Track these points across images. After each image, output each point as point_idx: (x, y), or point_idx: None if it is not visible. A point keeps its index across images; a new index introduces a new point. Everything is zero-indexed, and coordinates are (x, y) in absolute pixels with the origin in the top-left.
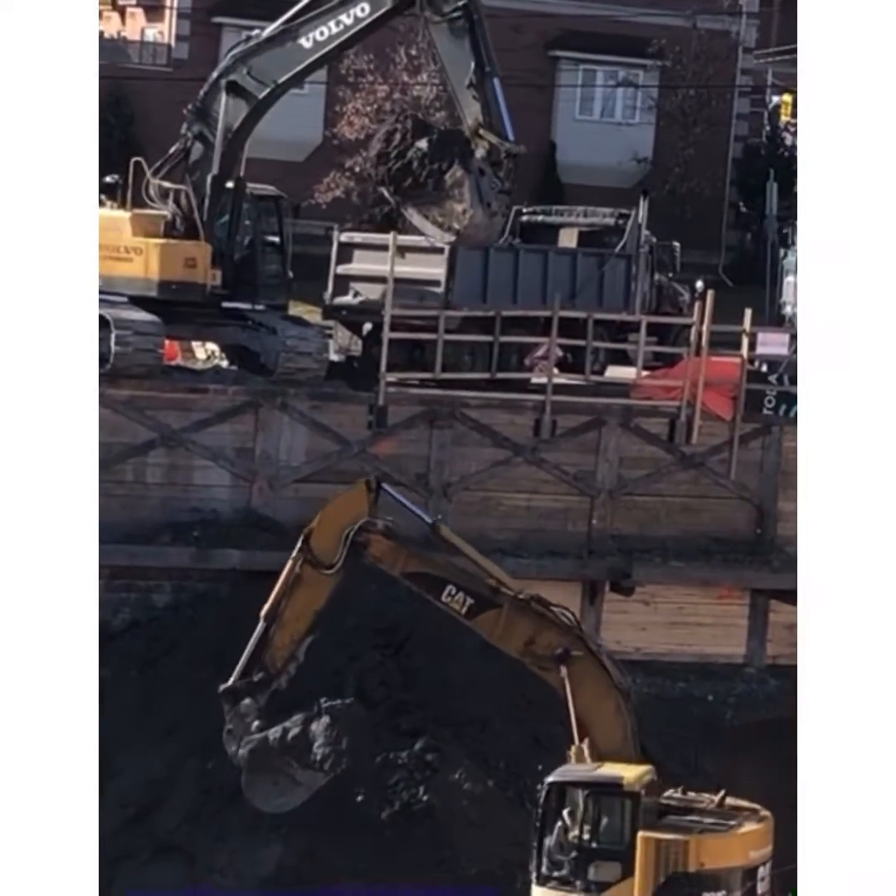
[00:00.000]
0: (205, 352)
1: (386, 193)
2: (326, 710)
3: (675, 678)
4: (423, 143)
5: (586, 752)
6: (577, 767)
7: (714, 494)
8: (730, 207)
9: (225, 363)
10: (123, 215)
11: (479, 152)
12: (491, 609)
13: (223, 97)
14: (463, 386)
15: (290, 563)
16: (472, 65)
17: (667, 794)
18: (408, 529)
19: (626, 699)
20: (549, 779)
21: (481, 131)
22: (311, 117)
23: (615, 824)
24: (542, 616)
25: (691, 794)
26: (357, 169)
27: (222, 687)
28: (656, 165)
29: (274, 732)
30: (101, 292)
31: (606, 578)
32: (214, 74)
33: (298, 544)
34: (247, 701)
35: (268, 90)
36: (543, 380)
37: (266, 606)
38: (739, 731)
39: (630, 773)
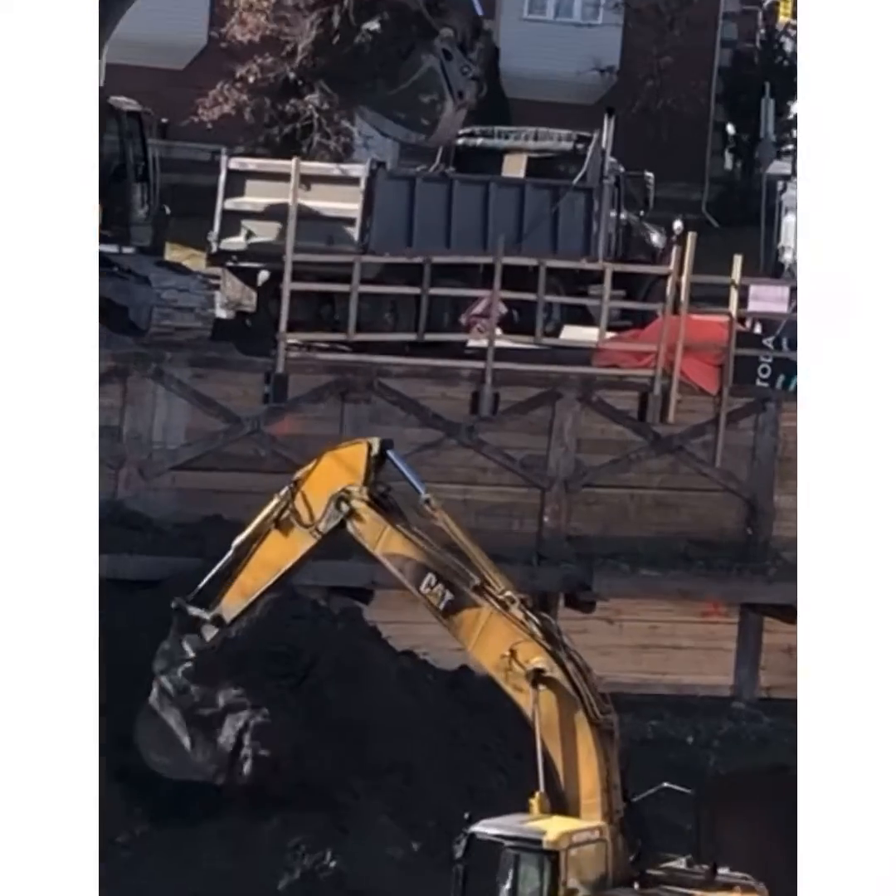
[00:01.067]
0: None
1: (326, 90)
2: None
3: (646, 715)
4: (372, 24)
5: (546, 801)
6: (507, 819)
7: (695, 486)
8: (715, 129)
9: None
10: None
11: (444, 31)
12: (470, 608)
13: None
14: (383, 350)
15: (275, 499)
16: None
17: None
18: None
19: (605, 738)
20: (471, 829)
21: (441, 4)
22: (193, 14)
23: (534, 887)
24: (520, 623)
25: (676, 863)
26: (251, 79)
27: (178, 601)
28: (624, 76)
29: (197, 692)
30: None
31: (560, 590)
32: None
33: (288, 486)
34: (192, 635)
35: None
36: (483, 343)
37: (241, 536)
38: (725, 782)
39: (558, 827)
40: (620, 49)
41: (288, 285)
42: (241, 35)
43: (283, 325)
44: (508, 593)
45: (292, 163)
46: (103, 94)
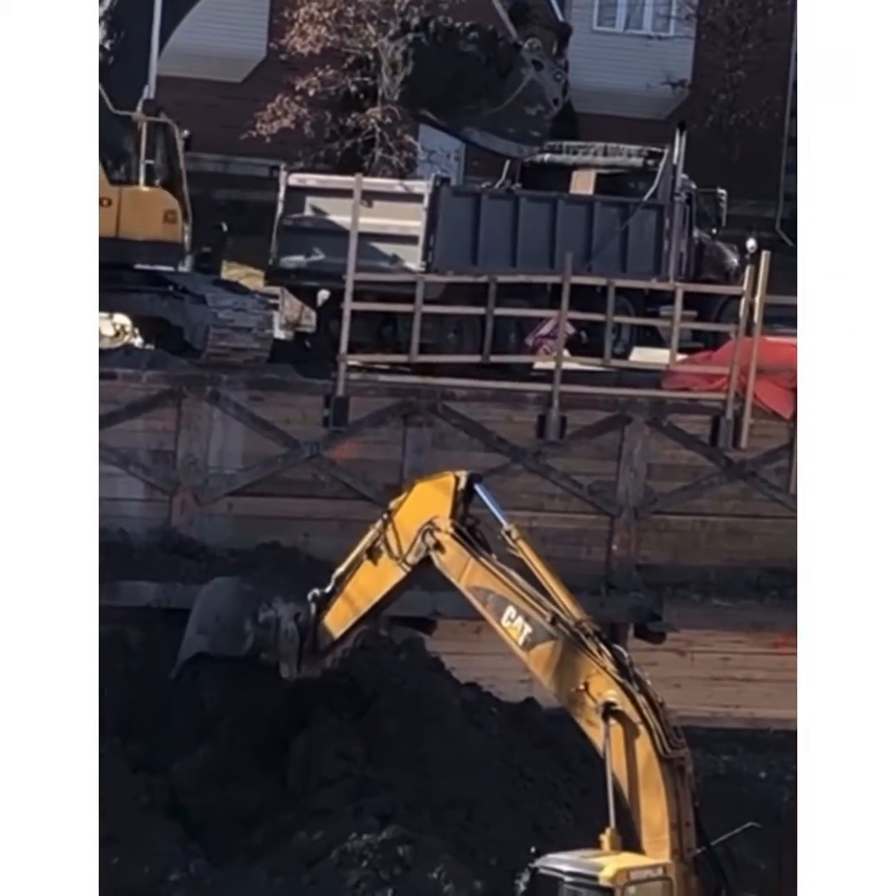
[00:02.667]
0: (112, 326)
1: (431, 119)
2: None
3: (717, 749)
4: (467, 47)
5: (617, 838)
6: (572, 854)
7: (768, 513)
8: (790, 145)
9: (138, 341)
10: None
11: (532, 42)
12: (547, 641)
13: None
14: (446, 372)
15: (372, 530)
16: None
17: None
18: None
19: (676, 774)
20: (534, 864)
21: (525, 14)
22: (252, 25)
23: None
24: (593, 656)
25: None
26: (311, 92)
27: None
28: (696, 90)
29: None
30: None
31: (630, 621)
32: None
33: (382, 516)
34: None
35: None
36: (550, 365)
37: (340, 568)
38: None
39: (617, 864)
40: (692, 62)
41: (349, 305)
42: (301, 47)
43: (343, 347)
44: (584, 625)
45: (354, 179)
46: (152, 105)
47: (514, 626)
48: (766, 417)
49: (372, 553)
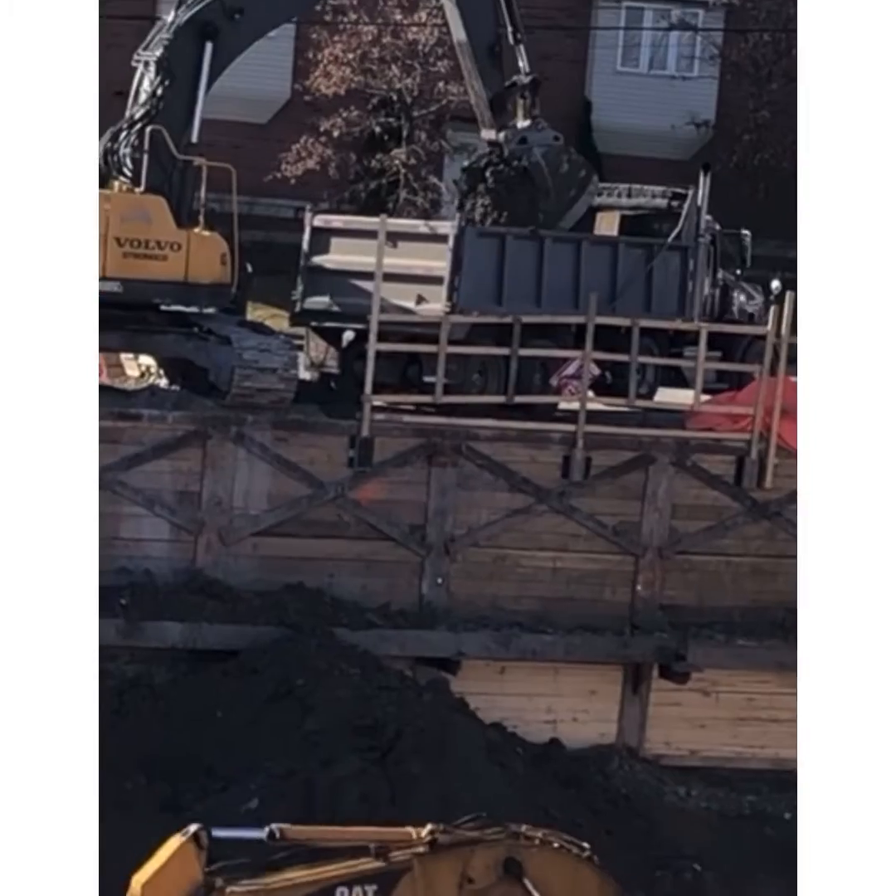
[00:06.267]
0: (138, 367)
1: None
2: None
3: (742, 790)
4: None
5: None
6: None
7: (793, 553)
8: None
9: (163, 382)
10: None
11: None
12: (400, 878)
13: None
14: (471, 412)
15: None
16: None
17: None
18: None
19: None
20: None
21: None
22: (277, 67)
23: None
24: (455, 843)
25: None
26: (336, 133)
27: None
28: (720, 131)
29: None
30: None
31: (654, 661)
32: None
33: None
34: None
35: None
36: (575, 405)
37: None
38: None
39: None
40: (716, 102)
41: (373, 346)
42: (325, 88)
43: (368, 387)
44: (422, 834)
45: (378, 220)
46: (194, 148)
47: None
48: (791, 457)
49: None
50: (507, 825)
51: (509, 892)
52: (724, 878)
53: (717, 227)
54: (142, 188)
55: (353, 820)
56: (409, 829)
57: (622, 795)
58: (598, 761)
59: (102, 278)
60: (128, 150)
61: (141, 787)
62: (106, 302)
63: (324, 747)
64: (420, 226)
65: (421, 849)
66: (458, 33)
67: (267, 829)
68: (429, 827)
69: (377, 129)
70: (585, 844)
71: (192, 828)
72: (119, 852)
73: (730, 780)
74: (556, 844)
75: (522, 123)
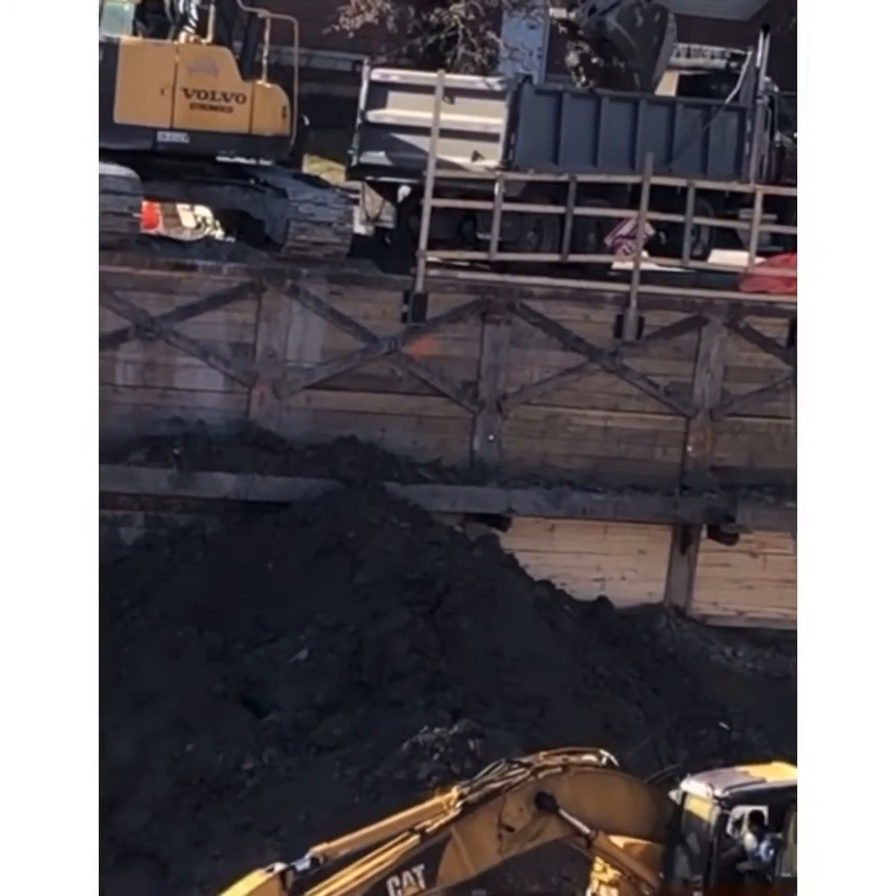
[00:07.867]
0: (194, 218)
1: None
2: None
3: (788, 651)
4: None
5: None
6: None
7: None
8: None
9: (219, 233)
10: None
11: None
12: (442, 850)
13: None
14: (525, 270)
15: None
16: None
17: None
18: None
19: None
20: (717, 793)
21: None
22: None
23: None
24: (484, 798)
25: None
26: None
27: None
28: None
29: None
30: None
31: (703, 522)
32: None
33: None
34: None
35: None
36: (629, 265)
37: None
38: None
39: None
40: None
41: (429, 201)
42: None
43: (423, 243)
44: (449, 802)
45: (436, 75)
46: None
47: (408, 884)
48: None
49: None
50: (523, 761)
51: (547, 824)
52: (769, 738)
53: (776, 89)
54: (208, 40)
55: (401, 672)
56: (438, 799)
57: (669, 654)
58: (646, 620)
59: (171, 129)
60: (194, 2)
61: (192, 635)
62: (173, 152)
63: (373, 600)
64: (477, 82)
65: (454, 814)
66: None
67: (307, 858)
68: (454, 791)
69: None
70: (603, 752)
71: (279, 867)
72: (168, 699)
73: (776, 642)
74: (578, 764)
75: None
